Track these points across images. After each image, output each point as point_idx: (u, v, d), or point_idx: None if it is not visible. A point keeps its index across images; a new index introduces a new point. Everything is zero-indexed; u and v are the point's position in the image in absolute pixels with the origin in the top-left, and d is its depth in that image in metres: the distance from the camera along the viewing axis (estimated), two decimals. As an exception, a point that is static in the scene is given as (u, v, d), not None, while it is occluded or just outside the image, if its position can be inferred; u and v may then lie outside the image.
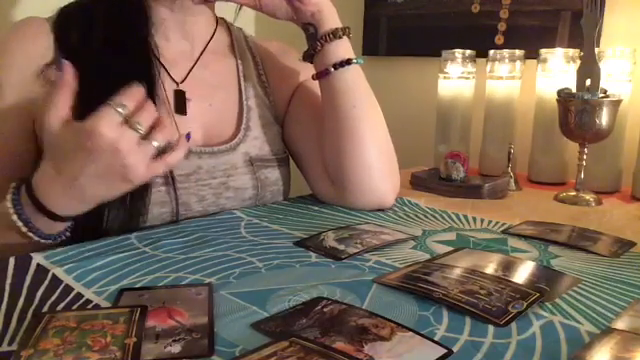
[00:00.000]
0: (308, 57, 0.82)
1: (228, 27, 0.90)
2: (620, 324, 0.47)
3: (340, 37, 0.80)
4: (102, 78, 0.62)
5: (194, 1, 0.78)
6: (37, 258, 0.58)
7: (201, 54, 0.82)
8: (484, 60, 1.17)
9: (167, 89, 0.77)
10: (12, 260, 0.57)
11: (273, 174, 0.83)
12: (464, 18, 1.35)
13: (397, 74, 1.50)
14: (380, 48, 1.52)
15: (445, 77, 1.20)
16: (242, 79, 0.85)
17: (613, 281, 0.57)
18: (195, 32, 0.82)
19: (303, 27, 0.82)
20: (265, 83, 0.88)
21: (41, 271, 0.55)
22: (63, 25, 0.73)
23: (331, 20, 0.80)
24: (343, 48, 0.80)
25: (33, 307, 0.47)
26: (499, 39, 1.30)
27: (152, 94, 0.72)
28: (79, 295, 0.50)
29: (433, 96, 1.24)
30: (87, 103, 0.69)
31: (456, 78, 1.19)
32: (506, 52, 1.14)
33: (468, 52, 1.18)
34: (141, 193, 0.69)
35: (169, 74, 0.78)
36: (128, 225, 0.68)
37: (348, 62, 0.79)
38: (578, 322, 0.47)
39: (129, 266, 0.57)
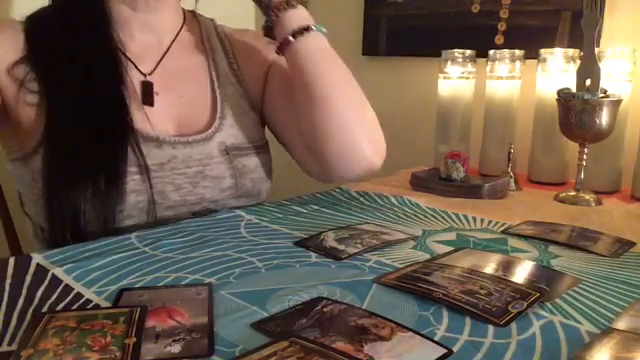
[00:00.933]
0: (268, 32, 0.82)
1: (198, 20, 0.90)
2: (620, 324, 0.47)
3: (294, 6, 0.79)
4: (68, 74, 0.63)
5: None
6: (37, 258, 0.58)
7: (169, 47, 0.82)
8: (484, 60, 1.17)
9: (135, 82, 0.77)
10: (12, 260, 0.57)
11: (251, 162, 0.82)
12: (464, 18, 1.35)
13: (397, 74, 1.50)
14: (380, 48, 1.52)
15: (445, 77, 1.20)
16: (213, 70, 0.85)
17: (613, 281, 0.57)
18: (161, 27, 0.82)
19: None
20: (237, 71, 0.88)
21: (41, 271, 0.55)
22: (32, 27, 0.75)
23: None
24: (300, 17, 0.79)
25: (33, 307, 0.47)
26: (499, 39, 1.30)
27: (118, 86, 0.73)
28: (79, 295, 0.50)
29: (433, 96, 1.24)
30: (57, 99, 0.71)
31: (456, 78, 1.19)
32: (506, 52, 1.14)
33: (468, 52, 1.18)
34: (115, 182, 0.69)
35: (136, 67, 0.78)
36: (106, 216, 0.69)
37: (307, 29, 0.78)
38: (578, 322, 0.47)
39: (129, 266, 0.57)
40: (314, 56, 0.78)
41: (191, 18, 0.89)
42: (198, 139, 0.78)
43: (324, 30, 0.80)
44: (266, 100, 0.89)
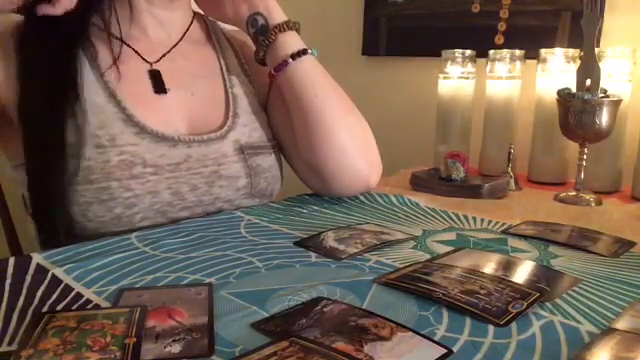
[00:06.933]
0: (259, 58, 0.83)
1: (204, 20, 0.90)
2: (620, 324, 0.47)
3: (291, 29, 0.81)
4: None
5: None
6: (37, 258, 0.58)
7: (179, 41, 0.83)
8: (484, 60, 1.17)
9: (142, 74, 0.77)
10: (12, 260, 0.57)
11: (265, 161, 0.82)
12: (464, 18, 1.35)
13: (397, 74, 1.50)
14: (380, 48, 1.52)
15: (445, 77, 1.20)
16: (224, 68, 0.86)
17: (613, 281, 0.57)
18: (172, 24, 0.83)
19: (250, 19, 0.82)
20: (248, 71, 0.88)
21: (41, 271, 0.55)
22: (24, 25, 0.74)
23: (280, 12, 0.82)
24: (296, 40, 0.81)
25: (33, 307, 0.47)
26: (499, 39, 1.30)
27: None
28: (79, 295, 0.50)
29: (433, 96, 1.24)
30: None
31: (456, 78, 1.19)
32: (506, 52, 1.14)
33: (468, 52, 1.18)
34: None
35: (142, 57, 0.78)
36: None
37: (304, 52, 0.80)
38: (578, 322, 0.47)
39: (129, 266, 0.57)
40: (310, 79, 0.80)
41: (198, 16, 0.90)
42: (213, 137, 0.78)
43: (316, 53, 0.82)
44: (270, 105, 0.89)
